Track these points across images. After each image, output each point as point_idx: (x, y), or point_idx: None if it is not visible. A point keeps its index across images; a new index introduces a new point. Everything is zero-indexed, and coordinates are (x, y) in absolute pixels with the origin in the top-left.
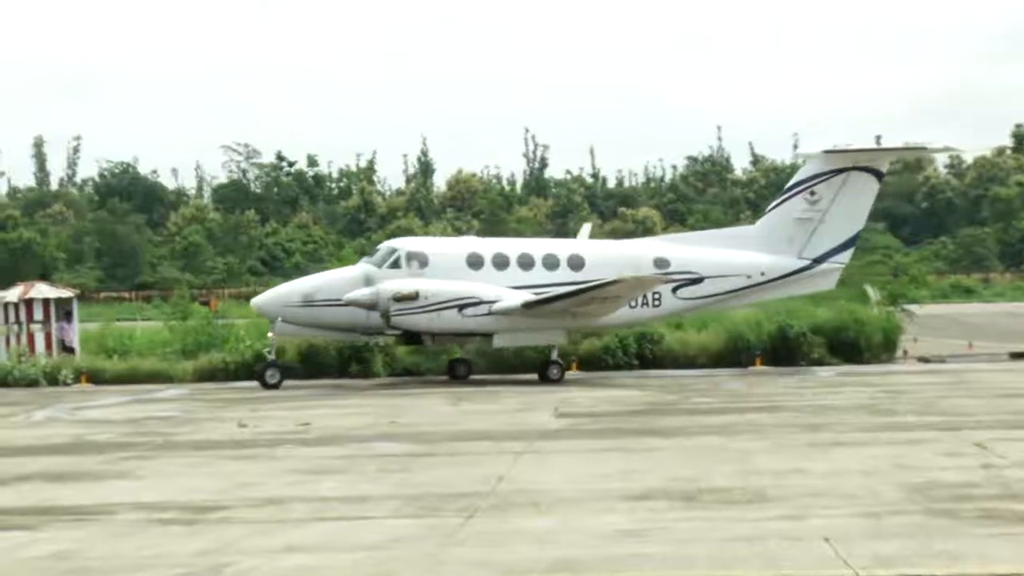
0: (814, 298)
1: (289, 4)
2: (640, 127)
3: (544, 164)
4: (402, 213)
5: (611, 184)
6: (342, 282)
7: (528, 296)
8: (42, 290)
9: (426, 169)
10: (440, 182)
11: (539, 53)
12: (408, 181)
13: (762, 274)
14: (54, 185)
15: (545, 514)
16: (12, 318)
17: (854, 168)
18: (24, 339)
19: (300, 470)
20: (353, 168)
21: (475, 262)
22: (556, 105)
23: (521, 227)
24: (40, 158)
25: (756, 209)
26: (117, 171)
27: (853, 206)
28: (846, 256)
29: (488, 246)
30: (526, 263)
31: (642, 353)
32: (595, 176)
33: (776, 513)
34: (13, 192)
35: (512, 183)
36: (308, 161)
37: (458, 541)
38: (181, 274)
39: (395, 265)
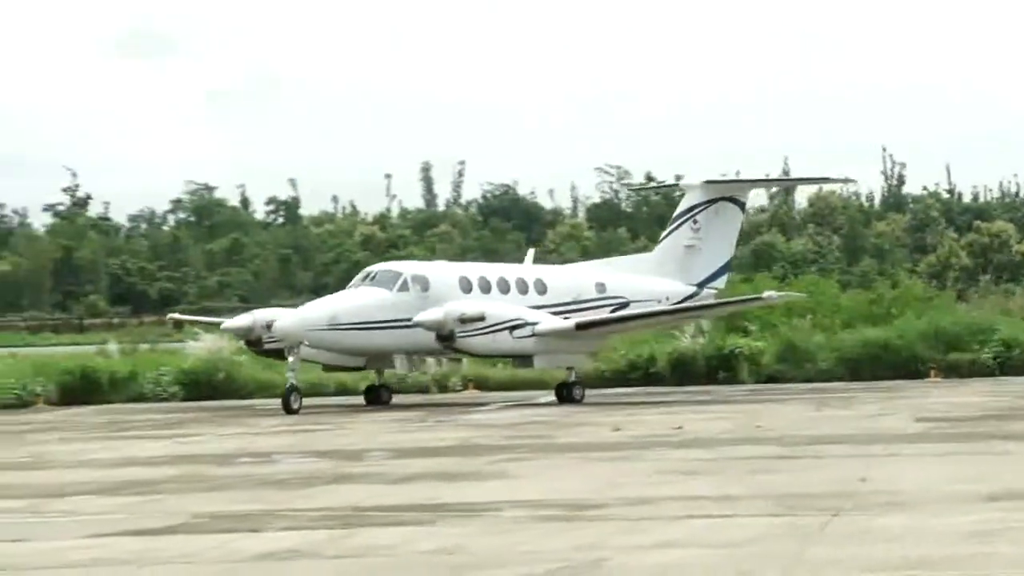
0: None
1: (655, 31)
2: (997, 142)
3: (902, 181)
4: (764, 229)
5: (967, 199)
6: (370, 305)
7: (580, 318)
8: None
9: (790, 188)
10: (801, 199)
11: (895, 78)
12: (771, 198)
13: (668, 299)
14: (441, 206)
15: (902, 514)
16: None
17: (722, 199)
18: None
19: (671, 471)
20: None
21: (465, 286)
22: (913, 125)
23: (880, 241)
24: (428, 181)
25: None
26: (498, 192)
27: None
28: (720, 281)
29: (474, 271)
30: (504, 288)
31: None
32: (951, 192)
33: None
34: (404, 213)
35: (871, 199)
36: (675, 180)
37: (819, 540)
38: None
39: (403, 288)
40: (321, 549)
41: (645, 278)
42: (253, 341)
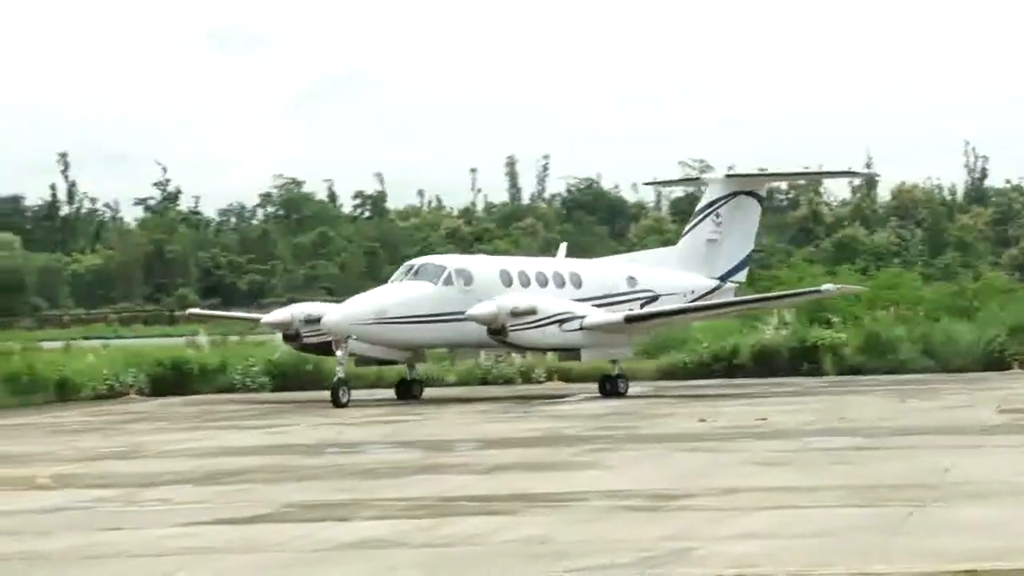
0: None
1: (740, 28)
2: None
3: (984, 174)
4: (847, 222)
5: None
6: (416, 299)
7: (628, 311)
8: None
9: (870, 181)
10: (884, 192)
11: (977, 72)
12: (853, 192)
13: (692, 292)
14: (525, 200)
15: (985, 506)
16: None
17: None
18: None
19: (755, 462)
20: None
21: (506, 280)
22: (996, 118)
23: (962, 234)
24: (513, 176)
25: None
26: (582, 187)
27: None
28: (742, 275)
29: (513, 264)
30: (542, 281)
31: None
32: None
33: None
34: (488, 207)
35: (953, 193)
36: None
37: (903, 531)
38: None
39: (448, 282)
40: (409, 538)
41: (672, 272)
42: (292, 336)
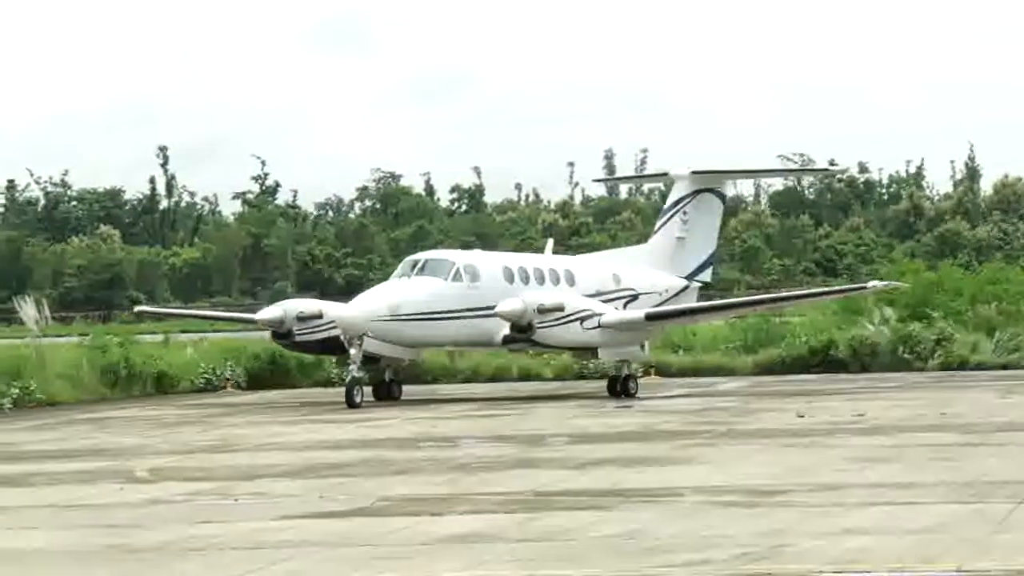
0: None
1: (839, 21)
2: None
3: None
4: (949, 216)
5: None
6: (428, 295)
7: (649, 308)
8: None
9: (973, 174)
10: (986, 186)
11: None
12: (955, 186)
13: (667, 291)
14: (623, 194)
15: None
16: None
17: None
18: None
19: (854, 458)
20: (903, 174)
21: (508, 277)
22: None
23: None
24: (610, 169)
25: None
26: (827, 180)
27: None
28: (706, 274)
29: (513, 261)
30: (540, 278)
31: None
32: None
33: None
34: (586, 201)
35: None
36: (859, 168)
37: (1006, 527)
38: (740, 275)
39: (457, 278)
40: (505, 532)
41: (649, 270)
42: (283, 334)
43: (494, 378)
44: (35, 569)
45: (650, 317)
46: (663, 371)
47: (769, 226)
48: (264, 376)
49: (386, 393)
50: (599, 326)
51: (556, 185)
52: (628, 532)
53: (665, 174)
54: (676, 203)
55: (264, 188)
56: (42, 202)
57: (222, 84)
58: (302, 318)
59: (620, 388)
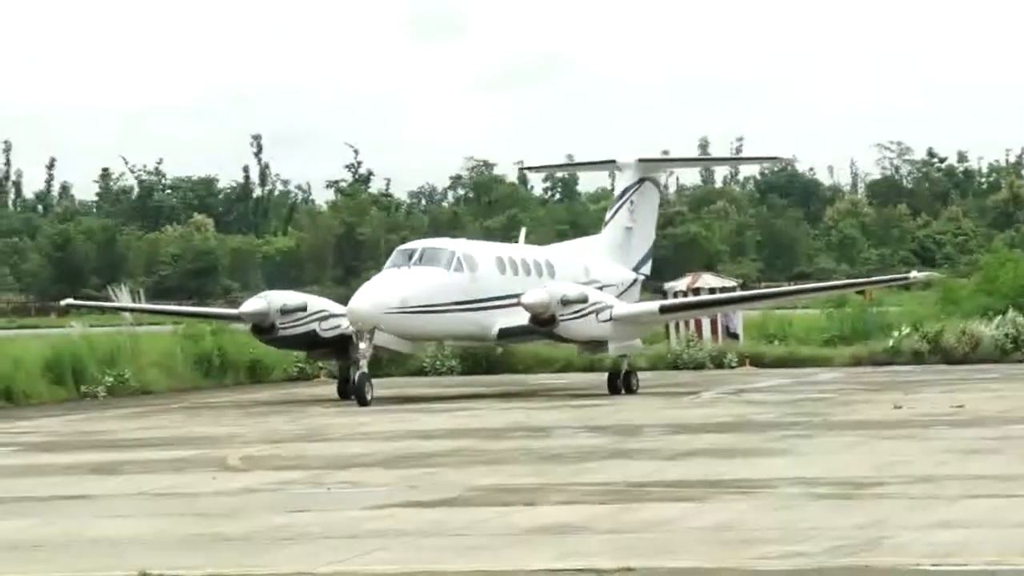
0: None
1: (936, 6)
2: None
3: None
4: None
5: None
6: (433, 286)
7: (663, 300)
8: (707, 280)
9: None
10: None
11: None
12: None
13: (623, 284)
14: (718, 183)
15: None
16: None
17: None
18: (692, 325)
19: (952, 450)
20: (1002, 163)
21: (500, 267)
22: None
23: None
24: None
25: None
26: (776, 169)
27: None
28: (648, 267)
29: (503, 251)
30: (527, 269)
31: None
32: None
33: None
34: (680, 190)
35: None
36: (958, 157)
37: None
38: (836, 265)
39: (458, 268)
40: (598, 523)
41: (608, 262)
42: (266, 328)
43: (591, 368)
44: (128, 557)
45: (664, 309)
46: (757, 361)
47: (866, 215)
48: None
49: (356, 392)
50: (611, 319)
51: None
52: (723, 523)
53: (612, 161)
54: (624, 192)
55: (357, 176)
56: (136, 190)
57: (315, 72)
58: (286, 311)
59: (622, 383)
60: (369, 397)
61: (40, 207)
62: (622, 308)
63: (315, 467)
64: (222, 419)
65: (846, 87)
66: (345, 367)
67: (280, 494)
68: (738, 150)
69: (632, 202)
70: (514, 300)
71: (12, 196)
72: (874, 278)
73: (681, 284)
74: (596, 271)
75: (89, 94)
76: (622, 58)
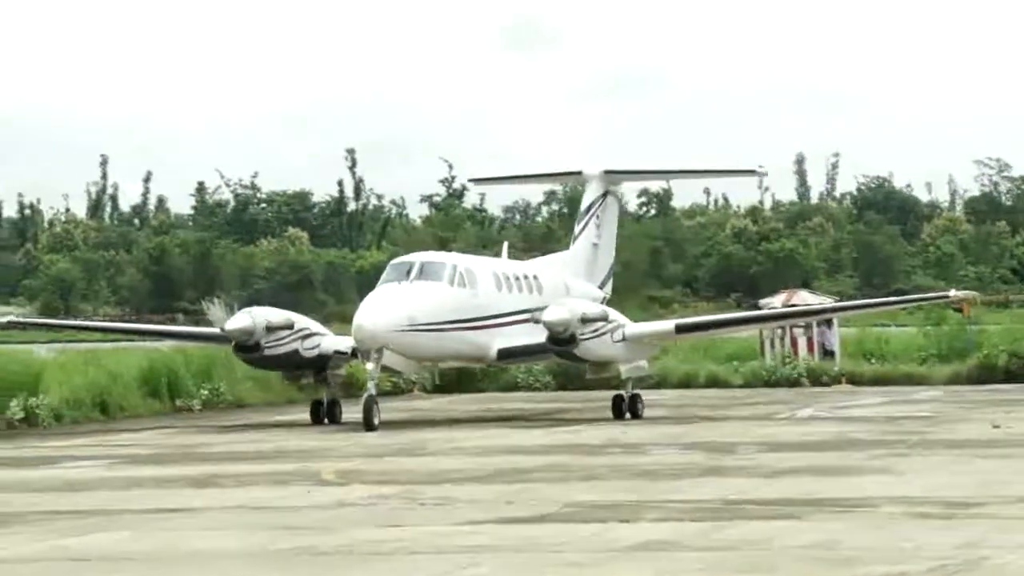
0: None
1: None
2: None
3: None
4: None
5: None
6: (439, 303)
7: (679, 320)
8: (804, 297)
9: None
10: None
11: None
12: None
13: (595, 301)
14: (814, 199)
15: None
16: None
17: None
18: (788, 342)
19: None
20: None
21: (496, 283)
22: None
23: None
24: (801, 174)
25: None
26: (873, 185)
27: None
28: (609, 287)
29: (497, 266)
30: (518, 286)
31: None
32: None
33: None
34: (776, 206)
35: None
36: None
37: None
38: (934, 282)
39: (460, 283)
40: (693, 541)
41: (579, 280)
42: (251, 346)
43: (685, 383)
44: (222, 571)
45: (680, 329)
46: (855, 380)
47: (964, 232)
48: (451, 380)
49: (329, 415)
50: (624, 338)
51: (746, 189)
52: (821, 542)
53: (579, 173)
54: (590, 207)
55: (451, 191)
56: (231, 204)
57: (409, 85)
58: (271, 328)
59: (628, 408)
60: (376, 421)
61: (136, 220)
62: (633, 327)
63: (409, 482)
64: (316, 433)
65: (945, 102)
66: (319, 389)
67: (374, 509)
68: (834, 166)
69: (598, 216)
70: (510, 318)
71: (108, 210)
72: (913, 296)
73: (776, 301)
74: (574, 288)
75: (186, 107)
76: (717, 72)
